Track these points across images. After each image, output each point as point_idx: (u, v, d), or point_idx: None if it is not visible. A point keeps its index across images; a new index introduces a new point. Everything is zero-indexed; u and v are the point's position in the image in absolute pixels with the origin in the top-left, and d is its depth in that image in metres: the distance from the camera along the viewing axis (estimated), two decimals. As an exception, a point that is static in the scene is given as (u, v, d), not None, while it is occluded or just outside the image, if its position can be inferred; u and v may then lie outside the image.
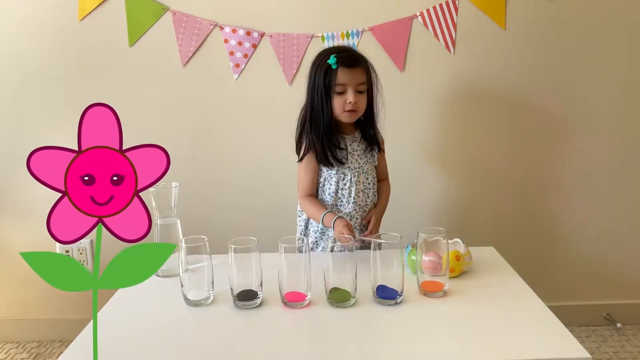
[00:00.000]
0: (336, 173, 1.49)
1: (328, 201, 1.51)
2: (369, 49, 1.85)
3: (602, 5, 1.87)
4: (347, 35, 1.87)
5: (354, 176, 1.50)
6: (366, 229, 1.52)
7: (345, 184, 1.50)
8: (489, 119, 1.96)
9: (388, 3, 1.87)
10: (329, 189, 1.50)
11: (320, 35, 1.88)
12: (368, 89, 1.47)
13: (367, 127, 1.53)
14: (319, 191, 1.53)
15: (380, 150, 1.57)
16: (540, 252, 2.07)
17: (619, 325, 2.06)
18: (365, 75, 1.45)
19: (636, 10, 1.88)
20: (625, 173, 2.01)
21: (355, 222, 1.52)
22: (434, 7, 1.85)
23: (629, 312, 2.10)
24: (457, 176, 2.01)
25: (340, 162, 1.48)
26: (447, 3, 1.85)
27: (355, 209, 1.51)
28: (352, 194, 1.50)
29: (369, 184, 1.53)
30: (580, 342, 0.93)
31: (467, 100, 1.94)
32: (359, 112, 1.46)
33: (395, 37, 1.88)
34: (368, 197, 1.53)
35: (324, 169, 1.51)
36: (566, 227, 2.05)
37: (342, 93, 1.43)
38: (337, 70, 1.41)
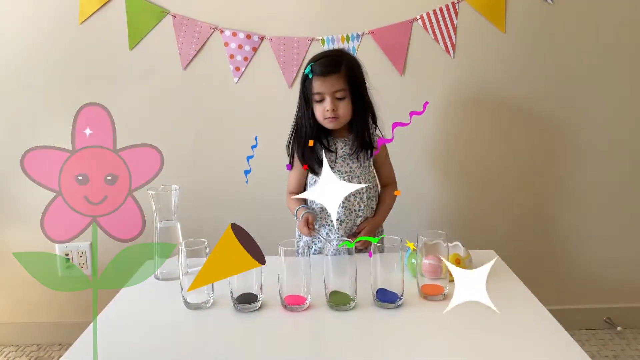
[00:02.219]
0: None
1: (318, 204, 1.50)
2: (369, 52, 1.86)
3: (602, 9, 1.87)
4: (347, 38, 1.88)
5: (344, 180, 1.48)
6: (355, 236, 1.51)
7: None
8: (489, 122, 1.96)
9: (388, 6, 1.87)
10: None
11: (320, 38, 1.88)
12: (353, 93, 1.44)
13: (357, 130, 1.49)
14: None
15: (372, 154, 1.52)
16: (541, 256, 2.07)
17: (619, 328, 2.05)
18: (345, 81, 1.42)
19: (636, 14, 1.88)
20: (626, 176, 2.01)
21: (346, 228, 1.51)
22: (434, 11, 1.86)
23: (630, 316, 2.10)
24: (457, 179, 2.01)
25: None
26: (447, 6, 1.85)
27: (345, 214, 1.49)
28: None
29: (363, 188, 1.51)
30: (580, 346, 0.93)
31: (467, 103, 1.94)
32: (341, 118, 1.44)
33: (395, 40, 1.88)
34: (362, 201, 1.50)
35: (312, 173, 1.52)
36: (566, 230, 2.05)
37: (321, 101, 1.43)
38: (312, 80, 1.42)
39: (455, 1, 1.85)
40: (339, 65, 1.42)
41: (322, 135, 1.49)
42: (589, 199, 2.02)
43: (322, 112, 1.43)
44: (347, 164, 1.49)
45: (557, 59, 1.91)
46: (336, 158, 1.49)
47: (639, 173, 2.01)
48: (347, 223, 1.50)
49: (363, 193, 1.51)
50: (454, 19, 1.86)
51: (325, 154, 1.47)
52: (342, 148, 1.49)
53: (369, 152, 1.51)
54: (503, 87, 1.93)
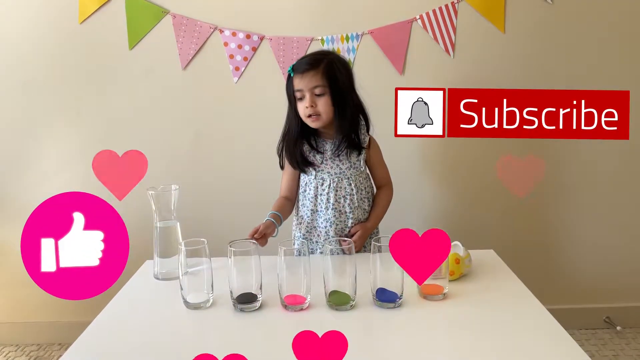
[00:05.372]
0: (315, 178, 1.48)
1: (308, 206, 1.49)
2: (369, 52, 1.87)
3: (601, 9, 1.87)
4: (347, 38, 1.88)
5: (334, 182, 1.47)
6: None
7: (324, 190, 1.47)
8: (488, 122, 1.96)
9: (388, 6, 1.87)
10: (309, 194, 1.49)
11: (320, 38, 1.88)
12: (333, 90, 1.41)
13: (341, 128, 1.45)
14: (301, 196, 1.52)
15: (360, 154, 1.49)
16: (540, 255, 2.07)
17: (618, 328, 2.06)
18: (323, 78, 1.40)
19: (636, 15, 1.88)
20: (625, 177, 2.01)
21: (336, 229, 1.48)
22: (434, 10, 1.86)
23: (629, 315, 2.10)
24: (457, 179, 2.01)
25: (312, 166, 1.47)
26: (446, 6, 1.85)
27: (335, 216, 1.47)
28: (331, 200, 1.46)
29: (353, 189, 1.48)
30: (580, 345, 0.93)
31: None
32: (323, 115, 1.42)
33: (395, 40, 1.88)
34: (353, 203, 1.48)
35: (303, 174, 1.51)
36: (566, 229, 2.06)
37: (302, 99, 1.42)
38: (293, 78, 1.42)
39: (455, 1, 1.85)
40: (318, 63, 1.41)
41: (311, 136, 1.48)
42: (589, 199, 2.02)
43: (303, 109, 1.42)
44: (337, 164, 1.47)
45: (557, 59, 1.91)
46: (325, 159, 1.48)
47: (639, 173, 2.01)
48: (337, 225, 1.48)
49: (353, 195, 1.48)
50: (454, 18, 1.86)
51: (319, 156, 1.47)
52: (330, 149, 1.48)
53: (358, 152, 1.49)
54: (502, 86, 1.93)
